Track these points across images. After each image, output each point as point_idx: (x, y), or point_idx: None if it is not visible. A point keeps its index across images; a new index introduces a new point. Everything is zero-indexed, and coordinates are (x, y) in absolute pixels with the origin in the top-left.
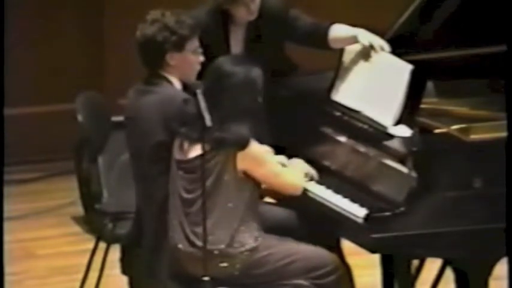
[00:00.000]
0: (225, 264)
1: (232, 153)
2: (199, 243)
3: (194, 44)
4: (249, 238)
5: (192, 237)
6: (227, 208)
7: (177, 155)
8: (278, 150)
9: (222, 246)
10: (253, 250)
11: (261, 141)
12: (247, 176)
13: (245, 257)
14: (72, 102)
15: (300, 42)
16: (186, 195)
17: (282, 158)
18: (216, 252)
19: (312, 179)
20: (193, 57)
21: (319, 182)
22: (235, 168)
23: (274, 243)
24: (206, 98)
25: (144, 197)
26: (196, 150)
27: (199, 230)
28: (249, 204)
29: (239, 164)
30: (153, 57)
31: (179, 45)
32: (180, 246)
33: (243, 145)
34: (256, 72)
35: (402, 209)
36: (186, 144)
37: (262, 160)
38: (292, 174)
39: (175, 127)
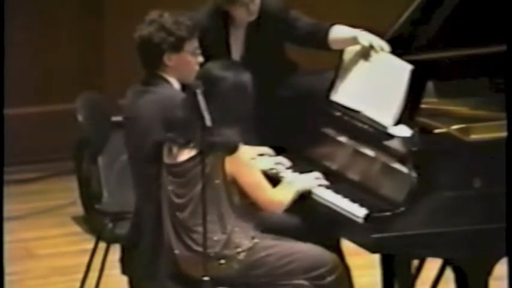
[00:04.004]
0: (223, 266)
1: (221, 157)
2: (195, 247)
3: (193, 45)
4: (245, 239)
5: (189, 242)
6: (219, 211)
7: (166, 159)
8: (278, 151)
9: (218, 248)
10: (249, 250)
11: (250, 145)
12: (235, 182)
13: (242, 258)
14: (72, 102)
15: (300, 43)
16: (176, 200)
17: (281, 159)
18: (212, 254)
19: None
20: (191, 58)
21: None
22: (225, 172)
23: (273, 243)
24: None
25: (143, 197)
26: (185, 154)
27: (194, 235)
28: (241, 206)
29: (227, 168)
30: (151, 58)
31: (177, 47)
32: (176, 252)
33: (232, 150)
34: (246, 77)
35: (402, 209)
36: (175, 149)
37: (249, 168)
38: (277, 192)
39: (163, 133)
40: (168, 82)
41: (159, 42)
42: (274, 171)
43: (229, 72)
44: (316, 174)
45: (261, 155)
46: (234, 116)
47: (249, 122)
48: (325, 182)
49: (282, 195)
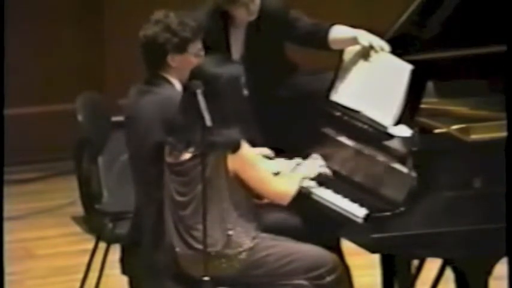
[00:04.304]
0: (223, 265)
1: (223, 156)
2: (196, 245)
3: (196, 46)
4: (246, 238)
5: (190, 240)
6: (221, 209)
7: (168, 158)
8: (278, 151)
9: (219, 247)
10: (250, 250)
11: (253, 139)
12: (238, 178)
13: (243, 258)
14: (72, 102)
15: (300, 43)
16: (178, 198)
17: (292, 163)
18: (213, 253)
19: (325, 178)
20: (194, 60)
21: (319, 183)
22: (227, 170)
23: (273, 243)
24: (194, 103)
25: (143, 197)
26: (187, 153)
27: (195, 233)
28: (243, 205)
29: (230, 165)
30: (154, 58)
31: (181, 48)
32: (177, 249)
33: (234, 148)
34: (237, 69)
35: (402, 209)
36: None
37: (252, 163)
38: (282, 182)
39: (163, 134)
40: (170, 83)
41: (164, 43)
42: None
43: (222, 69)
44: (320, 161)
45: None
46: (233, 112)
47: (249, 117)
48: (328, 171)
49: (288, 185)
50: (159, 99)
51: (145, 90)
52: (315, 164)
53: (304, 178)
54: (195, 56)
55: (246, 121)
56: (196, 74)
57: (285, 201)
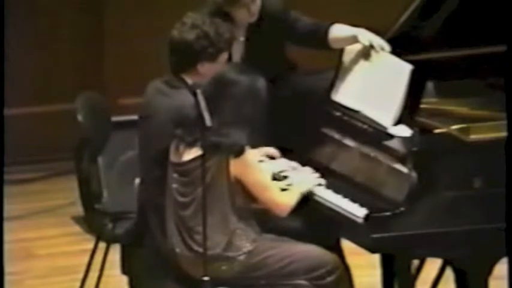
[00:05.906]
0: (223, 268)
1: (226, 159)
2: (196, 247)
3: (225, 56)
4: (246, 241)
5: (190, 242)
6: (222, 212)
7: (172, 157)
8: (282, 151)
9: (219, 250)
10: (250, 253)
11: (256, 146)
12: (239, 182)
13: (243, 260)
14: (72, 102)
15: (300, 43)
16: (180, 199)
17: (292, 164)
18: (213, 256)
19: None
20: (220, 68)
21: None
22: (229, 174)
23: (273, 244)
24: (207, 103)
25: (148, 196)
26: (191, 153)
27: (195, 235)
28: (244, 208)
29: (232, 169)
30: (184, 62)
31: (213, 57)
32: (177, 250)
33: (238, 152)
34: (261, 83)
35: (402, 209)
36: (181, 147)
37: (255, 169)
38: (282, 193)
39: (171, 138)
40: (188, 87)
41: (199, 50)
42: (283, 173)
43: (243, 77)
44: (314, 172)
45: (272, 158)
46: (244, 120)
47: (259, 126)
48: (322, 180)
49: (288, 197)
50: (173, 104)
51: (162, 90)
52: (311, 176)
53: (305, 192)
54: (222, 65)
55: (257, 130)
56: (217, 77)
57: (284, 212)
